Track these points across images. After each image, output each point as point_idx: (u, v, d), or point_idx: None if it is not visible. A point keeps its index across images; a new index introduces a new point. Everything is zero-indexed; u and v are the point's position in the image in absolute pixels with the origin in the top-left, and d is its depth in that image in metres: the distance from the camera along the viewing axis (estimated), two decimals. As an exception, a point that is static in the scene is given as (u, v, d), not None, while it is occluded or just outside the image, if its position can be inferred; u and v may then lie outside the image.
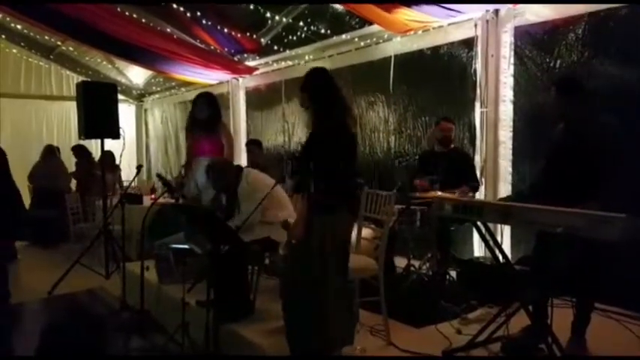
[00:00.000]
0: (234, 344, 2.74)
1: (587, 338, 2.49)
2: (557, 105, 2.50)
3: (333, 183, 2.28)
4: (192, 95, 7.35)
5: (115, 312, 3.64)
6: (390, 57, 4.70)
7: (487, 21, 3.89)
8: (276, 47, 5.81)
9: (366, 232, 3.23)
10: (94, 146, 7.19)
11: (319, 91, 2.37)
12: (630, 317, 2.88)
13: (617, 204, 1.99)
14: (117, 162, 5.29)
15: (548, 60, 3.62)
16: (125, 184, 6.16)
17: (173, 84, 8.18)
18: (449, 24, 4.18)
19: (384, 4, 3.97)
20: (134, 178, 4.29)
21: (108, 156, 5.20)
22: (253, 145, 5.25)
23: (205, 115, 3.86)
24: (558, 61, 3.56)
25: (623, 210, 1.82)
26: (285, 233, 3.05)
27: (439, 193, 3.38)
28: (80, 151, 6.76)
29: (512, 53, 3.83)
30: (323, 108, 2.35)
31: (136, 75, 8.85)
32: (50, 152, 6.71)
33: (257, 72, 6.45)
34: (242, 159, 5.85)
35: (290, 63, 5.86)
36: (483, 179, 3.94)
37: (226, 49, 6.34)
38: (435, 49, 4.42)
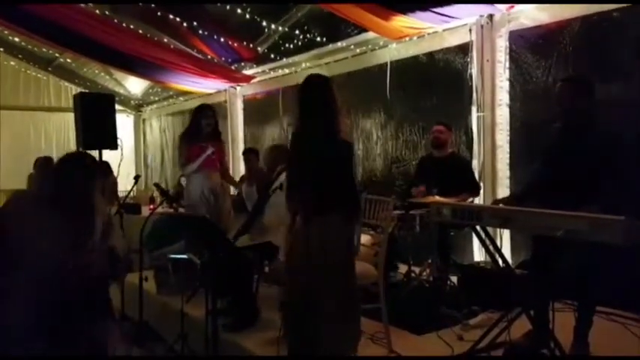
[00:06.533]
0: (233, 354, 2.71)
1: (590, 342, 2.47)
2: (563, 99, 2.43)
3: (329, 192, 2.25)
4: (190, 105, 7.37)
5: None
6: (386, 63, 4.71)
7: (482, 26, 3.91)
8: (273, 55, 5.84)
9: (365, 238, 3.22)
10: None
11: (309, 104, 2.29)
12: (634, 320, 2.86)
13: (620, 206, 1.97)
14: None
15: (543, 63, 3.63)
16: (123, 194, 6.14)
17: (171, 94, 8.19)
18: (444, 30, 4.20)
19: (381, 13, 3.98)
20: (132, 188, 4.29)
21: None
22: (251, 153, 5.25)
23: (212, 126, 3.99)
24: (553, 65, 3.57)
25: (626, 212, 1.80)
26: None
27: (437, 198, 3.36)
28: None
29: (508, 57, 3.84)
30: (310, 121, 2.26)
31: (134, 85, 8.87)
32: (46, 164, 6.67)
33: (254, 80, 6.48)
34: (240, 167, 5.84)
35: (287, 71, 5.89)
36: (482, 183, 3.93)
37: (223, 58, 6.36)
38: (431, 55, 4.43)
